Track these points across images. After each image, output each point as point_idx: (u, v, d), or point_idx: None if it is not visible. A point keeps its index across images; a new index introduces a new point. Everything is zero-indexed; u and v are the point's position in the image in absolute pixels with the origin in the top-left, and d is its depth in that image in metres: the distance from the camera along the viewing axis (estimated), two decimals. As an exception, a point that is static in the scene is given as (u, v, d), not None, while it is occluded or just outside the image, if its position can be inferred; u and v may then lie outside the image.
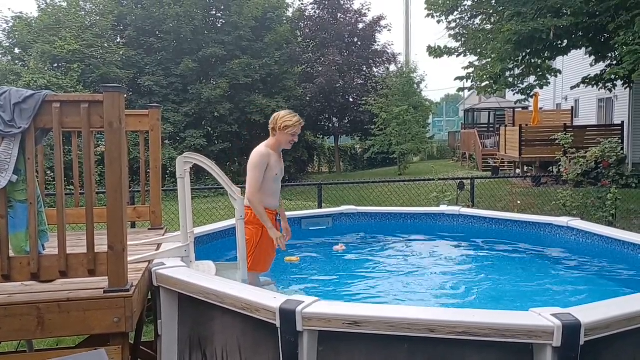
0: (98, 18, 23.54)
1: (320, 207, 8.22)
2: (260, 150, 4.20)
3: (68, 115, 2.78)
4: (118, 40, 25.75)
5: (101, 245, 2.81)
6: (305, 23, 33.44)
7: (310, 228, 5.99)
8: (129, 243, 3.91)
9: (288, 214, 5.99)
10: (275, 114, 4.38)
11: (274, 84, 27.58)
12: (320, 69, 30.70)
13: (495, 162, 21.62)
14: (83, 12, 23.94)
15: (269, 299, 2.63)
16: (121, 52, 23.76)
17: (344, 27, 32.56)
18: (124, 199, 2.76)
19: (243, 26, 26.01)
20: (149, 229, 4.64)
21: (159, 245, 3.91)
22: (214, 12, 27.67)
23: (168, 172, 17.24)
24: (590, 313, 2.36)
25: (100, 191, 4.95)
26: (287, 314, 2.48)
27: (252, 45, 26.59)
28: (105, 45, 23.06)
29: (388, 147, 27.08)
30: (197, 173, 20.76)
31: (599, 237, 4.40)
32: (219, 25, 27.32)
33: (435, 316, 2.43)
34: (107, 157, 2.76)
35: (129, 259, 3.40)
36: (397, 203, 9.83)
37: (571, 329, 2.24)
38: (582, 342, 2.27)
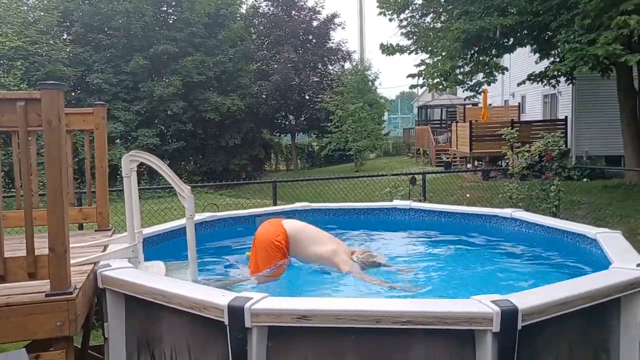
0: (42, 14, 22.67)
1: (275, 204, 8.22)
2: None
3: (4, 113, 2.69)
4: (64, 37, 24.91)
5: (44, 248, 2.73)
6: (260, 20, 33.28)
7: (264, 225, 5.97)
8: (73, 245, 3.83)
9: (242, 212, 5.98)
10: None
11: (229, 81, 27.31)
12: (275, 66, 30.62)
13: (447, 158, 22.14)
14: (25, 8, 23.00)
15: (217, 296, 2.62)
16: (68, 49, 22.99)
17: (298, 24, 32.59)
18: (64, 199, 2.68)
19: (195, 23, 25.62)
20: (95, 231, 4.53)
21: (105, 247, 3.83)
22: (165, 8, 27.14)
23: (120, 172, 16.78)
24: (527, 299, 2.46)
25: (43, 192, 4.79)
26: (235, 311, 2.48)
27: (205, 42, 26.23)
28: (51, 42, 22.25)
29: (344, 144, 27.31)
30: (151, 173, 20.34)
31: (540, 227, 4.59)
32: (171, 22, 26.84)
33: (380, 307, 2.48)
34: (47, 157, 2.67)
35: (73, 261, 3.32)
36: (353, 199, 9.94)
37: (509, 315, 2.33)
38: (519, 327, 2.37)
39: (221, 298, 2.58)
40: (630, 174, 13.13)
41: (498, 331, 2.34)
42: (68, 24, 25.22)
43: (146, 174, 20.10)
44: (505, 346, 2.35)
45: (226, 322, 2.51)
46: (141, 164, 3.65)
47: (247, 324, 2.47)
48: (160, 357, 2.95)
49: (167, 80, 24.98)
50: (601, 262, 3.46)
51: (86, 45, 24.39)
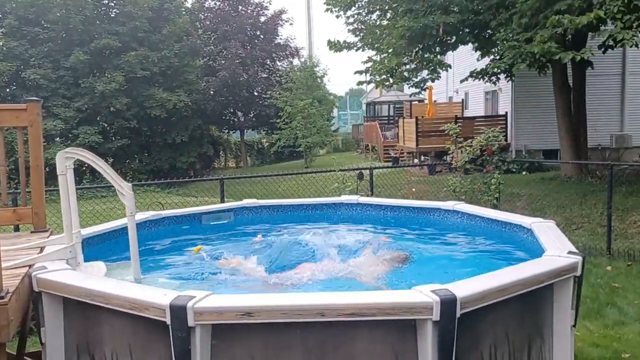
0: (-30, 5, 21.46)
1: (223, 202, 8.12)
2: None
3: None
4: (-4, 30, 23.68)
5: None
6: (206, 15, 32.74)
7: (211, 223, 5.90)
8: (7, 247, 3.67)
9: (187, 210, 5.88)
10: None
11: (175, 77, 26.74)
12: (222, 62, 30.23)
13: (395, 153, 22.54)
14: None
15: (158, 296, 2.57)
16: (0, 43, 21.83)
17: (245, 19, 32.28)
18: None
19: (139, 16, 24.92)
20: (31, 232, 4.33)
21: (41, 249, 3.67)
22: (107, 1, 26.28)
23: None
24: (465, 288, 2.55)
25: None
26: (178, 310, 2.44)
27: (149, 37, 25.57)
28: (-19, 35, 21.11)
29: (294, 141, 27.30)
30: (94, 172, 19.63)
31: (480, 218, 4.76)
32: (112, 15, 25.99)
33: (325, 300, 2.51)
34: (-28, 155, 2.54)
35: (6, 264, 3.17)
36: (303, 195, 9.95)
37: (448, 303, 2.41)
38: (458, 315, 2.45)
39: (163, 297, 2.53)
40: (566, 166, 13.78)
41: (438, 319, 2.41)
42: (0, 16, 23.97)
43: (89, 173, 19.42)
44: (444, 333, 2.43)
45: (168, 322, 2.46)
46: (82, 163, 3.53)
47: (190, 322, 2.44)
48: (101, 360, 2.87)
49: (109, 76, 24.19)
50: (536, 251, 3.61)
51: (21, 39, 23.26)
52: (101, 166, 3.41)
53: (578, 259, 3.07)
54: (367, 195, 8.17)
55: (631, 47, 8.89)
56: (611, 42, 8.97)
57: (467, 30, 12.92)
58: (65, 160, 3.35)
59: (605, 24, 9.57)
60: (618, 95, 18.53)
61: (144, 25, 25.23)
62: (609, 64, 17.10)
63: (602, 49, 11.32)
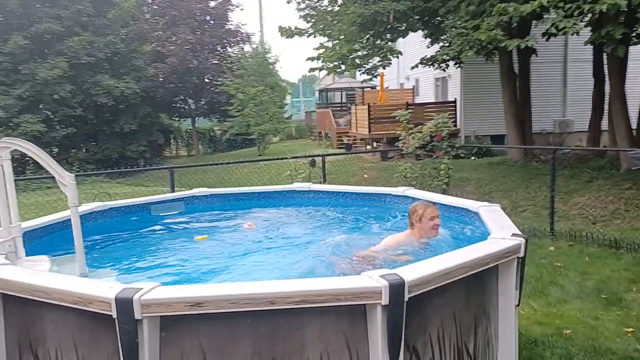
0: None
1: (172, 191, 7.97)
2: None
3: None
4: None
5: None
6: (153, -1, 31.73)
7: (162, 213, 5.77)
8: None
9: (134, 200, 5.72)
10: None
11: (122, 63, 25.89)
12: (172, 47, 29.45)
13: (348, 140, 22.67)
14: None
15: (103, 289, 2.49)
16: None
17: (194, 4, 31.49)
18: None
19: (82, 0, 23.90)
20: (-33, 227, 4.11)
21: (-22, 244, 3.49)
22: (47, -17, 24.98)
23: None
24: (413, 272, 2.60)
25: None
26: (124, 303, 2.38)
27: (93, 21, 24.61)
28: None
29: (247, 128, 26.98)
30: (38, 162, 18.84)
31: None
32: (53, -2, 24.76)
33: (274, 288, 2.50)
34: None
35: (-62, 261, 3.01)
36: (257, 183, 9.91)
37: (396, 288, 2.44)
38: (406, 298, 2.49)
39: (108, 290, 2.45)
40: (512, 151, 14.25)
41: (387, 304, 2.45)
42: None
43: (32, 163, 18.61)
44: (394, 317, 2.47)
45: (114, 316, 2.40)
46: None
47: (137, 315, 2.38)
48: (44, 357, 2.77)
49: (52, 62, 23.14)
50: (482, 234, 3.72)
51: (-46, 22, 21.96)
52: (40, 156, 3.27)
53: (521, 240, 3.18)
54: (320, 183, 8.21)
55: (572, 35, 9.21)
56: (554, 30, 9.27)
57: (417, 17, 13.07)
58: (0, 150, 3.18)
59: (548, 12, 9.88)
60: (561, 82, 19.26)
61: (87, 9, 24.24)
62: (552, 51, 17.73)
63: (546, 37, 11.69)
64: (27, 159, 17.84)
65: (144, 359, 2.41)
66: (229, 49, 33.63)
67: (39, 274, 2.92)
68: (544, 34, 10.95)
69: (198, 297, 2.43)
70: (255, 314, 2.46)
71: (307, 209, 5.77)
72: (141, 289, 2.45)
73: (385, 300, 2.44)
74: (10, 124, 22.35)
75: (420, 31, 14.25)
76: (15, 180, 3.51)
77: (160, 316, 2.45)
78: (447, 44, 12.60)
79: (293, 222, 5.52)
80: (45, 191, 12.24)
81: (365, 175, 10.29)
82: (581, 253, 6.94)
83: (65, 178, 3.31)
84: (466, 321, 2.99)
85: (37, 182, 13.14)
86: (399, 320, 2.49)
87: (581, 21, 9.44)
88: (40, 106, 23.88)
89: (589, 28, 10.47)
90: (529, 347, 4.24)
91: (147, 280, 3.44)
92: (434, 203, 4.29)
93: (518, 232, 3.40)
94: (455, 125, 16.85)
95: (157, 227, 5.39)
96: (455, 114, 17.80)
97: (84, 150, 26.17)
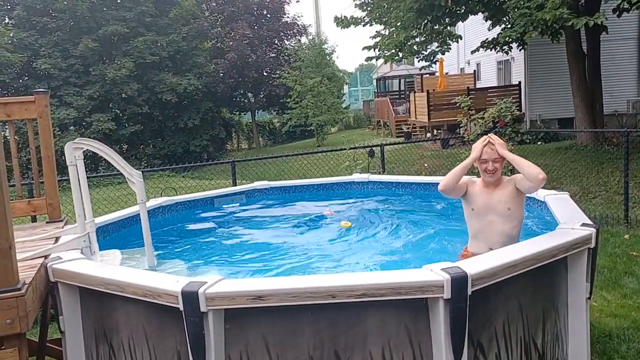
0: (-22, -3, 21.53)
1: (235, 184, 8.15)
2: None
3: None
4: (6, 21, 23.73)
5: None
6: (211, -4, 32.41)
7: (224, 206, 5.94)
8: (23, 239, 3.73)
9: (199, 194, 5.90)
10: None
11: (184, 60, 26.68)
12: (230, 43, 30.01)
13: (407, 128, 22.34)
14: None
15: (170, 283, 2.59)
16: (11, 34, 21.92)
17: (251, -1, 31.87)
18: (4, 192, 2.57)
19: (145, 1, 24.84)
20: (47, 223, 4.40)
21: (57, 239, 3.72)
22: (112, -13, 26.11)
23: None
24: (476, 265, 2.53)
25: None
26: (190, 296, 2.46)
27: (156, 21, 25.48)
28: (-9, 27, 21.20)
29: (305, 120, 27.17)
30: (94, 159, 19.85)
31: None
32: (119, 1, 25.87)
33: (335, 282, 2.50)
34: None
35: (22, 255, 3.23)
36: (316, 174, 9.94)
37: (459, 281, 2.39)
38: (469, 292, 2.44)
39: (175, 284, 2.55)
40: (582, 135, 13.54)
41: (449, 297, 2.40)
42: (9, 7, 24.02)
43: (104, 160, 19.59)
44: (456, 311, 2.42)
45: (181, 308, 2.49)
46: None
47: (203, 308, 2.46)
48: (118, 347, 2.92)
49: (119, 62, 24.23)
50: (550, 223, 3.57)
51: (30, 29, 23.33)
52: (110, 155, 3.43)
53: (592, 230, 3.03)
54: (379, 173, 8.14)
55: (647, 9, 8.62)
56: (626, 5, 8.69)
57: (476, -1, 12.62)
58: (74, 151, 3.37)
59: (619, -14, 9.30)
60: (635, 60, 18.07)
61: (150, 10, 25.12)
62: (624, 27, 16.64)
63: (617, 13, 11.00)
64: (99, 156, 18.80)
65: (210, 350, 2.49)
66: (286, 42, 33.88)
67: (112, 268, 3.07)
68: (614, 10, 10.31)
69: (260, 291, 2.48)
70: (317, 307, 2.49)
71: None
72: (206, 282, 2.53)
73: (447, 294, 2.40)
74: (83, 123, 23.60)
75: (480, 14, 13.74)
76: (88, 177, 3.71)
77: (225, 309, 2.52)
78: (509, 26, 12.10)
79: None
80: (117, 187, 12.87)
81: (426, 165, 10.10)
82: (660, 241, 6.52)
83: (133, 176, 3.46)
84: (533, 315, 2.89)
85: (108, 178, 13.82)
86: (463, 315, 2.44)
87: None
88: (110, 105, 25.05)
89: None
90: (602, 341, 4.04)
91: (215, 273, 3.56)
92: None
93: (588, 221, 3.24)
94: (519, 110, 16.21)
95: (221, 220, 5.54)
96: (520, 97, 17.11)
97: (151, 146, 27.25)
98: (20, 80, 23.98)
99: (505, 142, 3.68)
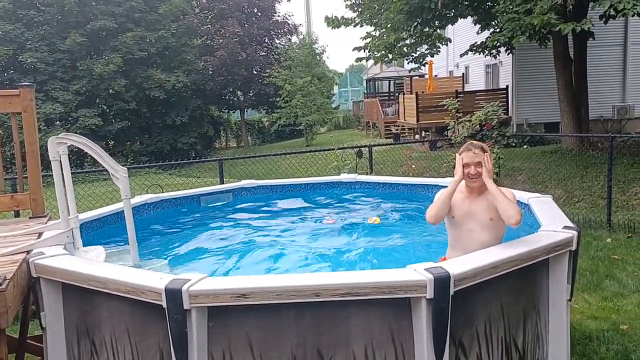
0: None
1: (222, 183, 8.13)
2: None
3: None
4: (-9, 14, 23.42)
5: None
6: (202, -7, 32.26)
7: (210, 205, 5.92)
8: (6, 234, 3.69)
9: (185, 192, 5.88)
10: None
11: (172, 57, 26.53)
12: (220, 41, 29.90)
13: (396, 129, 22.42)
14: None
15: (154, 280, 2.59)
16: (-4, 27, 21.64)
17: (242, -3, 31.79)
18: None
19: (134, -4, 24.62)
20: (30, 218, 4.35)
21: (39, 234, 3.68)
22: (101, -18, 25.86)
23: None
24: (459, 265, 2.56)
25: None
26: (173, 294, 2.46)
27: (145, 17, 25.29)
28: (-24, 19, 20.89)
29: (294, 119, 27.16)
30: (79, 155, 19.66)
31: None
32: (108, -4, 25.60)
33: (319, 281, 2.51)
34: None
35: (3, 250, 3.20)
36: (304, 174, 9.94)
37: (441, 281, 2.42)
38: (452, 292, 2.46)
39: (158, 281, 2.54)
40: (567, 139, 13.68)
41: (432, 297, 2.42)
42: (-5, -1, 23.71)
43: (89, 156, 19.41)
44: (439, 311, 2.44)
45: (164, 305, 2.48)
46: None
47: (186, 305, 2.46)
48: (100, 343, 2.90)
49: (107, 58, 24.01)
50: (533, 226, 3.61)
51: (16, 22, 23.04)
52: (95, 150, 3.41)
53: (573, 233, 3.07)
54: (367, 173, 8.17)
55: (633, 16, 8.72)
56: (612, 12, 8.80)
57: (466, 3, 12.71)
58: (57, 146, 3.34)
59: (606, -7, 9.39)
60: (620, 66, 18.30)
61: (139, 5, 24.93)
62: (610, 34, 16.86)
63: (604, 19, 11.13)
64: (85, 152, 18.64)
65: (193, 347, 2.49)
66: (277, 41, 33.85)
67: (95, 265, 3.05)
68: (601, 17, 10.43)
69: (243, 289, 2.48)
70: (301, 306, 2.49)
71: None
72: (189, 280, 2.52)
73: (430, 293, 2.42)
74: (70, 118, 23.36)
75: (469, 17, 13.84)
76: (73, 173, 3.68)
77: (208, 307, 2.52)
78: (498, 30, 12.20)
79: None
80: (102, 183, 12.75)
81: (413, 166, 10.15)
82: (641, 245, 6.62)
83: (118, 171, 3.44)
84: (515, 315, 2.92)
85: (94, 174, 13.69)
86: (445, 314, 2.46)
87: (643, 1, 8.91)
88: (97, 101, 24.83)
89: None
90: (583, 342, 4.09)
91: (199, 271, 3.54)
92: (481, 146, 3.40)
93: (570, 224, 3.28)
94: (506, 113, 16.35)
95: (206, 218, 5.53)
96: (507, 101, 17.26)
97: (138, 143, 27.05)
98: (5, 74, 23.68)
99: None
